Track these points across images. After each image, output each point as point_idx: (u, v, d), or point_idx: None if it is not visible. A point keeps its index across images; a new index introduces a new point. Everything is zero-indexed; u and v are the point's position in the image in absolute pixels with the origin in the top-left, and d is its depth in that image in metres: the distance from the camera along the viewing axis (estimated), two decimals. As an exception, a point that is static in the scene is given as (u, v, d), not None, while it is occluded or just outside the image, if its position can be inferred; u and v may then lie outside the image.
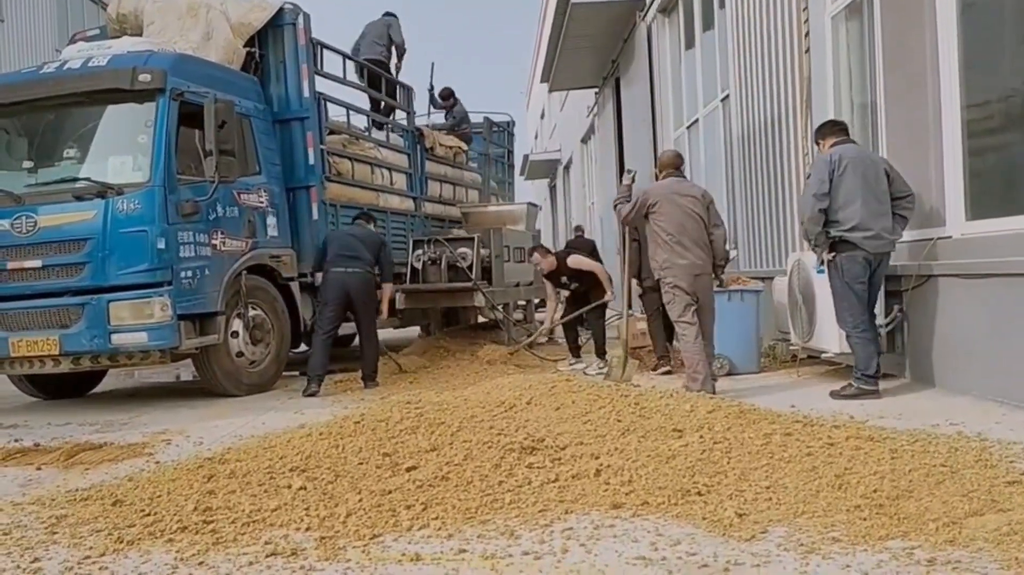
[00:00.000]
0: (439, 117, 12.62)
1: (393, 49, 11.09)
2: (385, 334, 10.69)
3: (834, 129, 5.69)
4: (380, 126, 10.36)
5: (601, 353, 7.87)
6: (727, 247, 6.03)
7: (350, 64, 9.56)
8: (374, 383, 7.37)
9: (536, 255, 8.44)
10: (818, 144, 5.77)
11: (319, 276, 7.81)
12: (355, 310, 7.48)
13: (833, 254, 5.39)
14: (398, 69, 11.13)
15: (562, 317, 8.35)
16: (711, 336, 5.96)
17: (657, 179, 6.27)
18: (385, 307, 7.91)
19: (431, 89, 12.47)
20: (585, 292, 8.13)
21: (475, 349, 9.01)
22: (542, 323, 9.44)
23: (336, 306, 7.36)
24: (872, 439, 3.91)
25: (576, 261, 8.14)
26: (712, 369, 5.88)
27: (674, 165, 6.21)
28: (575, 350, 8.37)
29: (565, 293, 8.29)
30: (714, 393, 5.48)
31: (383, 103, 10.41)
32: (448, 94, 12.49)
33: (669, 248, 5.80)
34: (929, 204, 5.49)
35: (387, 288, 7.91)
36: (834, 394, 5.46)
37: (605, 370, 7.51)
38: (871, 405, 5.05)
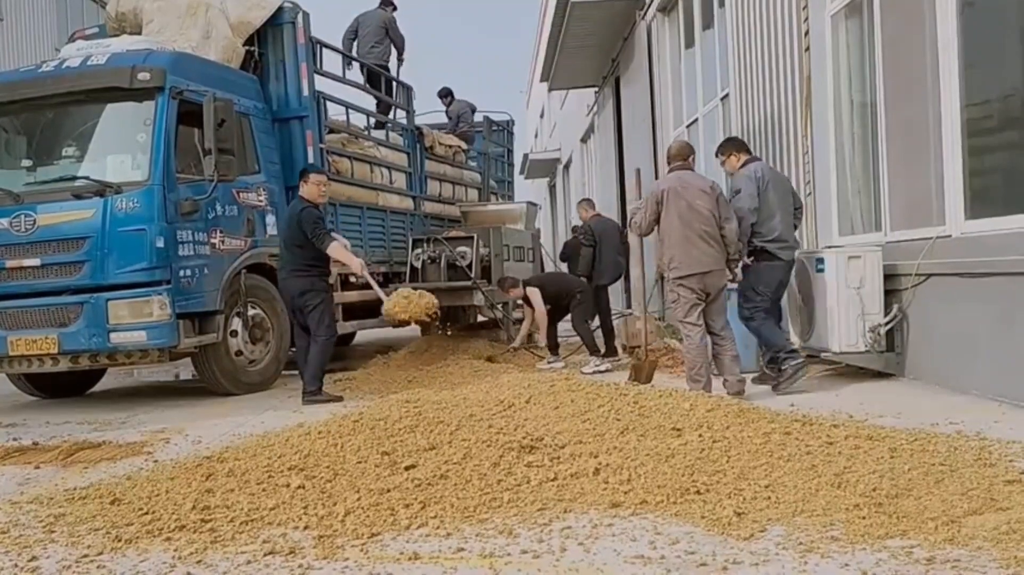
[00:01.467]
0: (441, 116, 12.65)
1: (393, 48, 11.08)
2: (385, 333, 10.72)
3: (741, 147, 6.16)
4: (380, 125, 10.37)
5: (594, 351, 7.89)
6: (741, 242, 5.72)
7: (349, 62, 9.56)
8: (310, 399, 6.44)
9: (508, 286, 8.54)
10: (724, 159, 6.13)
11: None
12: (304, 317, 6.64)
13: (752, 259, 5.85)
14: (400, 63, 11.13)
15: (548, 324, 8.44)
16: (730, 337, 5.72)
17: (668, 172, 6.00)
18: (350, 260, 6.77)
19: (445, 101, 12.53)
20: (564, 305, 8.25)
21: (470, 348, 9.00)
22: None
23: (295, 318, 6.81)
24: (871, 438, 3.91)
25: (530, 293, 8.30)
26: (735, 375, 5.66)
27: (682, 156, 5.87)
28: (553, 348, 8.41)
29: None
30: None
31: (383, 102, 10.42)
32: (446, 93, 12.52)
33: (675, 245, 5.57)
34: (928, 203, 5.48)
35: (333, 250, 6.50)
36: (777, 389, 5.75)
37: (602, 368, 7.54)
38: (870, 404, 5.05)
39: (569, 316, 8.32)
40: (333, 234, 6.86)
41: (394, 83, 10.77)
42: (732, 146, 6.16)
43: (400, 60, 11.18)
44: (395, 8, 11.48)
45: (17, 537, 3.26)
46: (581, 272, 8.60)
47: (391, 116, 10.65)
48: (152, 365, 8.05)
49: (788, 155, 7.37)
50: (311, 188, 6.71)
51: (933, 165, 5.38)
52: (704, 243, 5.55)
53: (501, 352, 8.83)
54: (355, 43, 10.89)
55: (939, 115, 5.27)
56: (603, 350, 8.10)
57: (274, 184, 7.85)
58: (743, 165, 5.95)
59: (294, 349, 8.09)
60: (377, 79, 10.27)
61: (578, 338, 8.39)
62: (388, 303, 7.11)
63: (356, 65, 10.29)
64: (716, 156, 6.35)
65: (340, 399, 6.54)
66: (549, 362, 8.13)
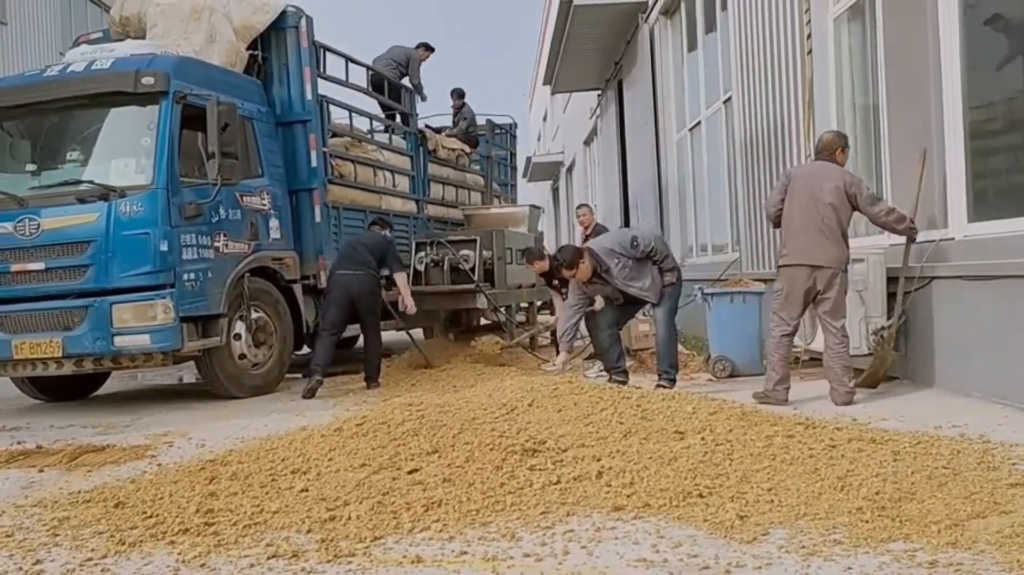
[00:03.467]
0: (445, 120, 12.65)
1: (408, 79, 11.11)
2: (389, 337, 10.72)
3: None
4: (385, 128, 10.38)
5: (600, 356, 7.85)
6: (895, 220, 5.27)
7: (353, 67, 9.57)
8: (376, 384, 7.42)
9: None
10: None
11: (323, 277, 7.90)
12: (359, 312, 7.54)
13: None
14: (422, 99, 11.22)
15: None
16: (839, 343, 5.25)
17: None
18: (406, 295, 8.00)
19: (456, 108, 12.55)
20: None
21: (473, 351, 9.00)
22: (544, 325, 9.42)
23: (340, 307, 7.44)
24: (874, 441, 3.91)
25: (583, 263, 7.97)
26: (843, 384, 5.23)
27: (829, 150, 5.43)
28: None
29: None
30: (783, 402, 5.30)
31: (390, 108, 10.44)
32: (460, 94, 12.47)
33: (791, 233, 5.33)
34: (931, 206, 5.48)
35: (399, 278, 7.99)
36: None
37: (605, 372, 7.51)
38: (873, 407, 5.04)
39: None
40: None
41: (401, 89, 10.75)
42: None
43: (414, 105, 11.04)
44: (430, 50, 11.56)
45: (21, 540, 3.27)
46: None
47: (397, 121, 10.65)
48: (156, 368, 8.07)
49: (790, 158, 7.36)
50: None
51: (936, 167, 5.38)
52: (814, 236, 5.23)
53: (498, 351, 8.77)
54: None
55: (941, 117, 5.27)
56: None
57: (277, 188, 7.86)
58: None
59: (297, 352, 8.13)
60: (381, 84, 10.28)
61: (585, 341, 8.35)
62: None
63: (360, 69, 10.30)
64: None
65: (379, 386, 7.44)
66: (554, 364, 8.10)
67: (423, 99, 11.32)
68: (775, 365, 5.46)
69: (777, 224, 5.62)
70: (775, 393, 5.41)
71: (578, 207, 9.68)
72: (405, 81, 11.01)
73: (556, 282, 8.21)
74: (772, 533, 2.88)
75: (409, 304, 8.02)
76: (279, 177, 7.93)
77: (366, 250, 7.65)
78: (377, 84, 10.25)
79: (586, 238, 9.08)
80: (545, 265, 7.94)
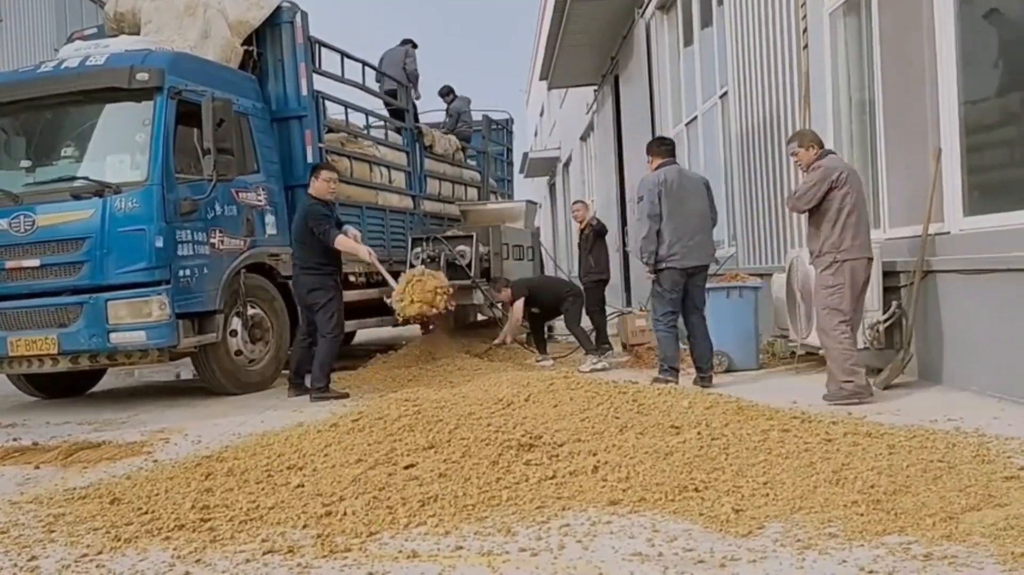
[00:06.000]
0: (440, 115, 12.64)
1: (407, 78, 11.23)
2: (383, 332, 10.73)
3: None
4: (397, 115, 10.38)
5: (589, 350, 7.90)
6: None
7: (348, 63, 9.54)
8: (317, 396, 6.50)
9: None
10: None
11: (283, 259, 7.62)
12: (310, 312, 6.77)
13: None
14: (416, 96, 11.28)
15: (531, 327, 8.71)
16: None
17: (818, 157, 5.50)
18: (362, 253, 6.87)
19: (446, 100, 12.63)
20: (552, 306, 8.35)
21: (469, 346, 9.02)
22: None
23: (301, 311, 6.94)
24: (870, 435, 3.91)
25: (515, 302, 8.29)
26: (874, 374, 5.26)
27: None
28: (542, 348, 8.59)
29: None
30: (857, 399, 5.04)
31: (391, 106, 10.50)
32: (447, 91, 12.53)
33: (853, 225, 5.21)
34: (927, 200, 5.48)
35: (341, 243, 6.65)
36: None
37: (599, 366, 7.54)
38: (869, 401, 5.04)
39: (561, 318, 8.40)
40: (346, 227, 6.94)
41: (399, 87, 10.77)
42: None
43: (416, 93, 11.25)
44: (414, 46, 11.68)
45: (17, 537, 3.27)
46: (600, 267, 8.81)
47: (404, 121, 10.69)
48: (152, 365, 8.05)
49: (786, 153, 7.36)
50: (320, 185, 6.77)
51: (932, 163, 5.38)
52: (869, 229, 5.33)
53: (485, 350, 8.84)
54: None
55: (937, 111, 5.27)
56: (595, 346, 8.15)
57: (273, 184, 7.84)
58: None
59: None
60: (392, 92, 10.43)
61: (573, 339, 8.42)
62: (396, 291, 7.33)
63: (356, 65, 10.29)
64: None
65: (346, 395, 6.61)
66: (538, 360, 8.19)
67: (417, 94, 11.36)
68: (849, 353, 5.18)
69: (803, 211, 5.45)
70: (862, 382, 5.12)
71: (574, 203, 9.73)
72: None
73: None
74: (767, 527, 2.89)
75: (362, 252, 6.87)
76: (275, 173, 7.91)
77: (294, 235, 6.81)
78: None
79: (581, 233, 9.12)
80: (508, 295, 8.34)
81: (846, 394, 5.09)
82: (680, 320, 6.37)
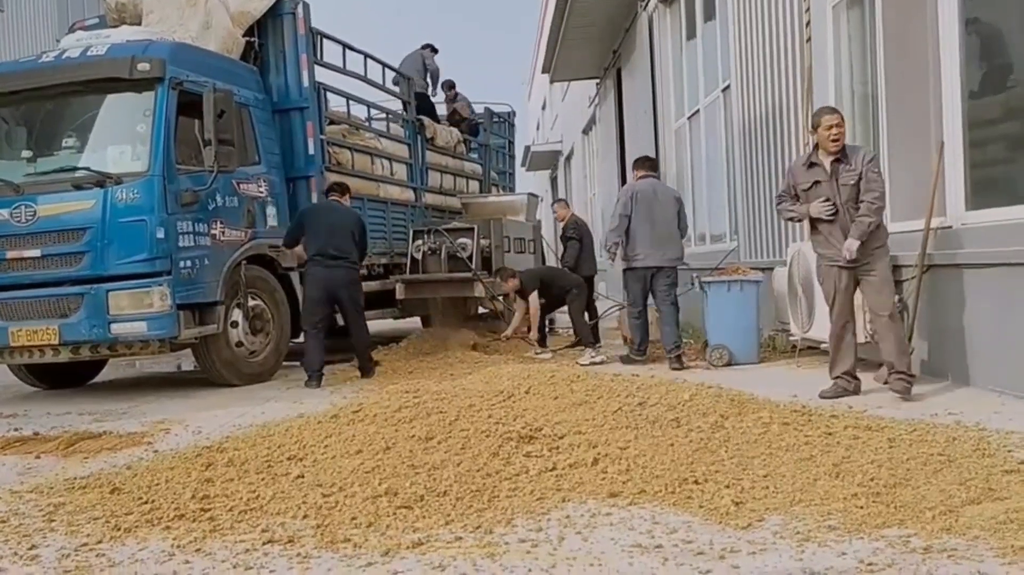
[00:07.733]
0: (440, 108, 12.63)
1: (428, 77, 11.55)
2: (384, 325, 10.73)
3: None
4: (384, 111, 10.42)
5: (588, 343, 7.92)
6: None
7: (352, 56, 9.52)
8: (371, 373, 7.30)
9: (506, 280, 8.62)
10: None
11: (285, 252, 7.60)
12: (341, 305, 7.18)
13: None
14: (434, 93, 11.62)
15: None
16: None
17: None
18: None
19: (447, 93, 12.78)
20: (558, 297, 8.42)
21: (469, 339, 9.02)
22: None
23: (321, 304, 7.06)
24: (870, 428, 3.92)
25: (530, 290, 8.41)
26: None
27: None
28: (542, 341, 8.65)
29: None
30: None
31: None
32: (451, 86, 12.52)
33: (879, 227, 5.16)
34: (929, 194, 5.47)
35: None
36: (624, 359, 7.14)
37: (598, 359, 7.56)
38: (870, 394, 5.04)
39: (565, 309, 8.44)
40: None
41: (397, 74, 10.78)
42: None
43: (435, 91, 11.70)
44: (435, 50, 12.01)
45: (17, 526, 3.28)
46: (568, 264, 8.91)
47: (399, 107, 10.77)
48: (153, 356, 8.06)
49: (789, 146, 7.35)
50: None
51: (934, 156, 5.36)
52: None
53: (490, 341, 8.84)
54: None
55: (940, 105, 5.25)
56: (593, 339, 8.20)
57: (274, 175, 7.83)
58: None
59: (295, 340, 8.11)
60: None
61: (570, 330, 8.48)
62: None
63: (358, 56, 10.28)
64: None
65: (378, 364, 7.55)
66: (537, 353, 8.20)
67: (435, 92, 11.73)
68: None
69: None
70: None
71: (553, 202, 9.88)
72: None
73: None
74: (767, 519, 2.89)
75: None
76: (276, 164, 7.90)
77: (341, 236, 7.14)
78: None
79: (563, 232, 9.22)
80: (515, 284, 8.44)
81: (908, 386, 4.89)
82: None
